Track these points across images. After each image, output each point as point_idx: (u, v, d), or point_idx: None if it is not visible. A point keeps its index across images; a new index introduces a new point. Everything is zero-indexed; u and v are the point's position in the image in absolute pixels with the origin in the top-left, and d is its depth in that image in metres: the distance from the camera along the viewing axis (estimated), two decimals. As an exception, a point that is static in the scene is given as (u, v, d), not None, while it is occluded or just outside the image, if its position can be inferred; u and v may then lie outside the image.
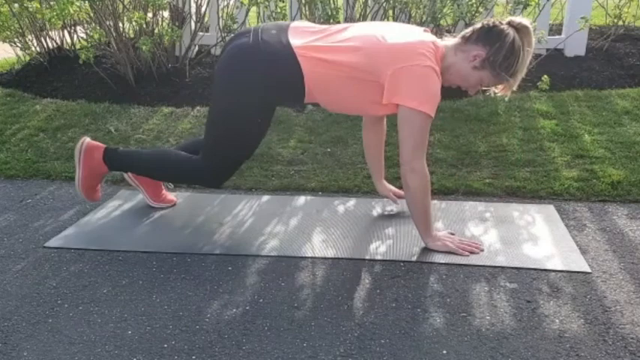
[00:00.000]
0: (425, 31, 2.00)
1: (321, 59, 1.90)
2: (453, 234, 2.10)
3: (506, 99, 2.04)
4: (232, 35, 2.22)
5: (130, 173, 2.33)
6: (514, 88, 1.97)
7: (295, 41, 1.93)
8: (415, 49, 1.86)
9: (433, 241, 2.02)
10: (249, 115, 2.02)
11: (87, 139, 2.22)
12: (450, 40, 1.97)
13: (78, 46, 4.33)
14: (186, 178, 2.29)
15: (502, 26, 1.87)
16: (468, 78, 1.94)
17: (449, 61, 1.93)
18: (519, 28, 1.88)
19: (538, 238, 2.10)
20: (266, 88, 1.96)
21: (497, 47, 1.86)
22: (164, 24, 4.17)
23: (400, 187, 2.37)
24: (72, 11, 3.73)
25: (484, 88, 2.02)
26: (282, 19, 3.86)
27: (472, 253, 1.99)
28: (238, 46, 1.98)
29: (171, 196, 2.47)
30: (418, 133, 1.89)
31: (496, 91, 2.02)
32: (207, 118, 2.13)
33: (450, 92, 3.56)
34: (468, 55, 1.91)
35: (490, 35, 1.88)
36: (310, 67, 1.90)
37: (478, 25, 1.92)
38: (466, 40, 1.92)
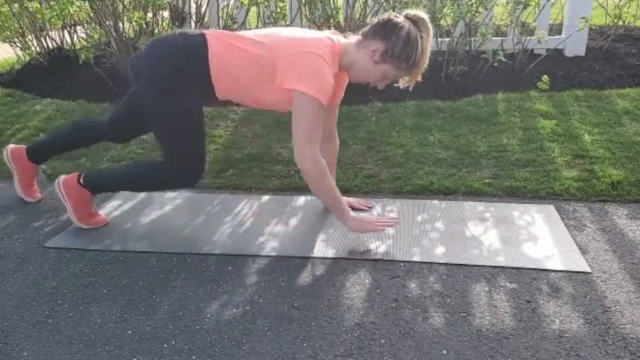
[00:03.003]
0: (333, 33, 2.07)
1: (226, 42, 2.00)
2: (374, 216, 2.17)
3: (410, 89, 2.10)
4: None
5: (9, 152, 2.48)
6: (419, 79, 2.04)
7: (209, 31, 2.06)
8: (309, 42, 1.95)
9: (349, 222, 2.06)
10: (175, 99, 2.03)
11: (60, 177, 2.25)
12: (352, 39, 2.04)
13: (78, 46, 4.33)
14: (161, 184, 2.26)
15: (396, 19, 1.95)
16: (371, 73, 2.02)
17: (352, 58, 2.01)
18: (415, 20, 1.95)
19: (538, 238, 2.11)
20: (178, 63, 2.00)
21: (394, 40, 1.93)
22: (164, 24, 4.18)
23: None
24: (72, 11, 3.73)
25: (391, 82, 2.08)
26: (281, 20, 3.87)
27: (388, 226, 2.08)
28: (153, 40, 2.12)
29: (39, 193, 2.54)
30: (307, 119, 1.95)
31: (403, 83, 2.08)
32: (152, 130, 2.16)
33: (450, 92, 3.58)
34: (368, 50, 1.98)
35: (385, 29, 1.95)
36: (215, 46, 1.99)
37: (375, 21, 1.99)
38: (365, 36, 2.00)
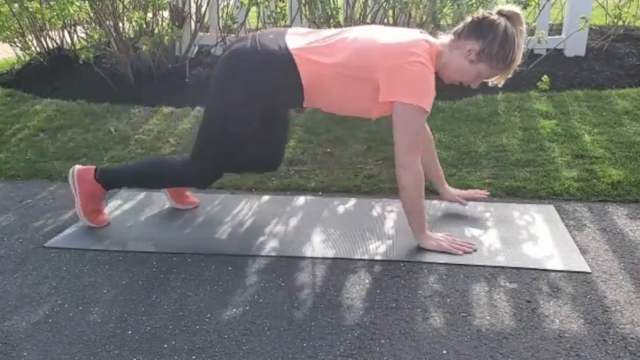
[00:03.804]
0: (421, 32, 2.01)
1: (315, 60, 1.92)
2: (449, 236, 2.10)
3: (500, 85, 2.05)
4: (232, 41, 2.23)
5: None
6: (509, 76, 1.99)
7: (292, 44, 1.95)
8: (407, 48, 1.88)
9: (427, 240, 2.03)
10: (245, 117, 2.00)
11: (76, 167, 2.24)
12: (444, 39, 1.98)
13: (78, 46, 4.33)
14: (176, 182, 2.29)
15: (492, 17, 1.88)
16: (466, 73, 1.96)
17: (445, 58, 1.95)
18: (510, 16, 1.89)
19: (538, 238, 2.10)
20: (264, 90, 1.96)
21: (490, 38, 1.87)
22: (164, 24, 4.18)
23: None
24: (72, 11, 3.73)
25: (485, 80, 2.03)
26: (281, 20, 3.86)
27: (465, 252, 2.00)
28: (236, 49, 2.00)
29: (193, 197, 2.46)
30: (413, 131, 1.91)
31: (493, 80, 2.02)
32: (201, 118, 2.13)
33: (450, 92, 3.58)
34: (462, 50, 1.92)
35: (481, 27, 1.89)
36: (306, 67, 1.92)
37: (468, 20, 1.93)
38: (459, 35, 1.94)
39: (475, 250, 2.02)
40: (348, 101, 1.99)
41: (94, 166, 2.24)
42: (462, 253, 2.00)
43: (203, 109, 2.10)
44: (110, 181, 2.23)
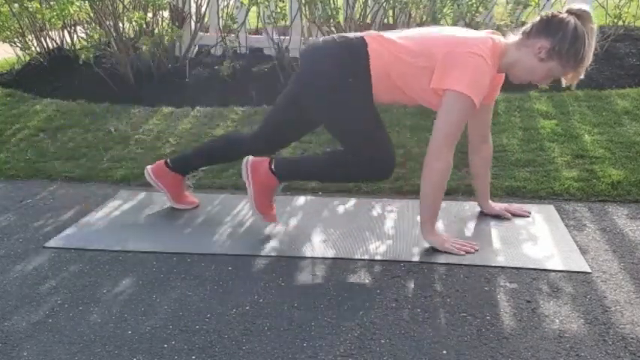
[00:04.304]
0: (492, 32, 2.03)
1: (384, 44, 1.99)
2: (451, 236, 2.10)
3: (573, 87, 2.04)
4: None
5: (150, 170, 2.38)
6: (581, 77, 1.98)
7: (365, 35, 2.04)
8: (469, 40, 1.92)
9: (432, 235, 2.03)
10: (346, 93, 2.03)
11: (250, 158, 2.20)
12: (511, 38, 2.00)
13: (78, 46, 4.34)
14: (355, 175, 2.23)
15: (561, 15, 1.90)
16: (535, 71, 1.96)
17: (513, 57, 1.97)
18: (579, 14, 1.90)
19: (538, 238, 2.10)
20: (342, 74, 2.01)
21: (560, 36, 1.88)
22: (164, 24, 4.18)
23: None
24: (72, 11, 3.74)
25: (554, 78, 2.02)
26: (282, 19, 3.87)
27: (467, 252, 2.00)
28: (313, 44, 2.14)
29: (192, 197, 2.47)
30: (456, 120, 1.92)
31: (565, 81, 2.02)
32: (329, 129, 2.17)
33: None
34: (532, 48, 1.93)
35: (550, 26, 1.90)
36: (375, 51, 1.98)
37: (537, 19, 1.95)
38: (527, 35, 1.95)
39: (477, 250, 2.02)
40: (410, 90, 2.01)
41: (268, 157, 2.19)
42: (463, 253, 2.00)
43: (324, 120, 2.14)
44: (285, 173, 2.17)
